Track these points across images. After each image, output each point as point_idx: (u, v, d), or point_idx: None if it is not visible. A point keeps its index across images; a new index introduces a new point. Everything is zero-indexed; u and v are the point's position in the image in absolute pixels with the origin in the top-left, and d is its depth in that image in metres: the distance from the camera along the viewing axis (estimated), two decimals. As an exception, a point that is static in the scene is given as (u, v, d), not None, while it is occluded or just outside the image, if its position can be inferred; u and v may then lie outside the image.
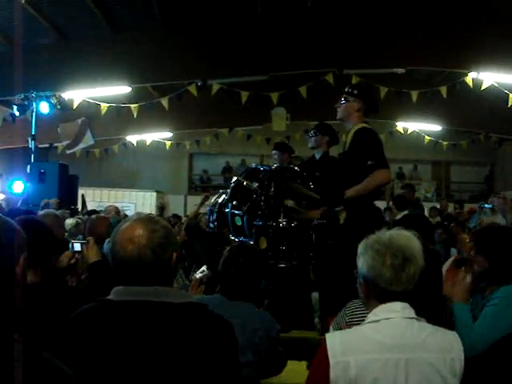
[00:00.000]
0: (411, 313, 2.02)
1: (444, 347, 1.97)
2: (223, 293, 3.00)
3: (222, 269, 3.02)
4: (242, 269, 2.96)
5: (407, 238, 2.06)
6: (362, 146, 4.37)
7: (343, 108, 4.64)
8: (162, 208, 19.56)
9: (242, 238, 5.12)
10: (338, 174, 4.69)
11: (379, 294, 2.03)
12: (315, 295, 5.37)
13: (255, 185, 5.14)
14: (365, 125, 4.50)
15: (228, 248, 3.12)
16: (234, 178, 5.38)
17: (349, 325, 2.77)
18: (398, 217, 8.08)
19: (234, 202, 5.20)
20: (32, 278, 2.75)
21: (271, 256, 4.86)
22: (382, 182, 4.40)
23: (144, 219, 1.93)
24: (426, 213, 10.91)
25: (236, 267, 2.96)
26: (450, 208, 13.86)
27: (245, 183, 5.21)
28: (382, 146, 4.43)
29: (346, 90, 4.70)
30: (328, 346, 1.96)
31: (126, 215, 11.29)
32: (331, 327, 3.02)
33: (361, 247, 2.09)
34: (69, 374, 1.46)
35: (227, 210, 5.34)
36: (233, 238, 5.36)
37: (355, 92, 4.64)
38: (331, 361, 1.92)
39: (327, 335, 2.04)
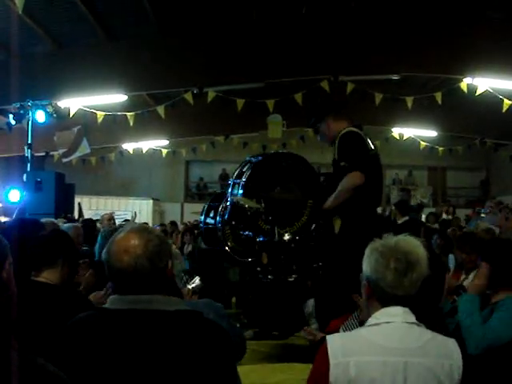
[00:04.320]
0: (412, 318, 2.05)
1: (443, 353, 2.00)
2: None
3: None
4: None
5: (413, 245, 2.09)
6: (341, 150, 4.40)
7: (321, 136, 4.70)
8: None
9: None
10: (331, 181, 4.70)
11: (381, 296, 2.07)
12: (312, 302, 5.38)
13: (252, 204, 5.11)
14: (349, 129, 4.48)
15: None
16: (229, 200, 5.33)
17: None
18: (400, 222, 8.11)
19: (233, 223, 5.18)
20: (53, 279, 2.86)
21: (272, 271, 4.87)
22: (354, 184, 4.27)
23: (138, 229, 1.94)
24: (423, 218, 10.94)
25: None
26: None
27: (240, 202, 5.17)
28: (358, 146, 4.40)
29: (310, 125, 4.79)
30: (329, 347, 1.99)
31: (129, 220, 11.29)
32: (341, 330, 3.05)
33: (367, 250, 2.12)
34: (64, 379, 1.46)
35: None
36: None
37: (313, 120, 4.72)
38: (331, 361, 1.95)
39: (328, 337, 2.06)
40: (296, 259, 4.85)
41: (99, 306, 3.54)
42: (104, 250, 1.94)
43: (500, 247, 3.17)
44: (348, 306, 3.43)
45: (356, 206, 4.29)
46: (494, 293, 3.03)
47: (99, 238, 5.62)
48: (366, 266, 2.10)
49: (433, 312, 2.76)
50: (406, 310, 2.05)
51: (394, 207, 9.16)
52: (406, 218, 8.20)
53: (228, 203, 5.19)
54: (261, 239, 5.03)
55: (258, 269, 4.95)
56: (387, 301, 2.06)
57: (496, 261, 3.03)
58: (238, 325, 3.16)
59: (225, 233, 5.69)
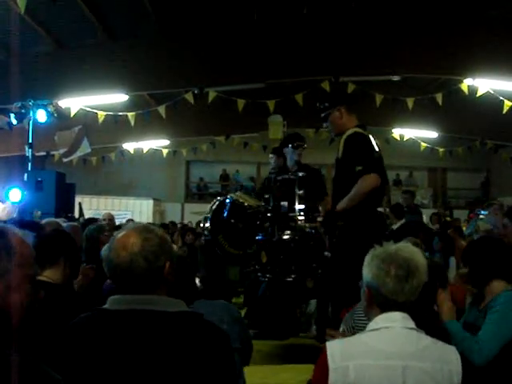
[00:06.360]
0: (411, 323, 2.07)
1: (442, 358, 2.02)
2: None
3: None
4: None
5: (413, 252, 2.13)
6: (351, 153, 4.33)
7: (330, 125, 4.62)
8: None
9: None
10: (334, 181, 4.67)
11: (381, 302, 2.10)
12: (314, 302, 5.39)
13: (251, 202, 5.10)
14: (356, 129, 4.43)
15: None
16: (228, 197, 5.30)
17: (354, 328, 2.85)
18: (396, 226, 7.97)
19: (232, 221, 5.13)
20: (54, 278, 2.90)
21: (270, 270, 4.85)
22: (371, 187, 4.19)
23: (139, 228, 1.97)
24: (426, 219, 10.89)
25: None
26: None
27: (240, 200, 5.15)
28: (370, 149, 4.35)
29: (319, 106, 4.65)
30: (328, 353, 2.01)
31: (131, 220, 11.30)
32: (343, 321, 3.11)
33: (368, 257, 2.16)
34: (57, 379, 1.46)
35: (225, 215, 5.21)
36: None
37: (327, 105, 4.59)
38: (331, 366, 1.97)
39: (327, 343, 2.09)
40: (295, 259, 4.83)
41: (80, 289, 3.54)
42: (106, 246, 1.96)
43: (476, 245, 3.22)
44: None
45: (358, 209, 4.27)
46: (485, 290, 3.00)
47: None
48: (367, 272, 2.13)
49: (429, 317, 2.77)
50: (405, 315, 2.08)
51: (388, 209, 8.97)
52: (402, 221, 8.07)
53: (227, 200, 5.17)
54: (259, 238, 5.01)
55: (257, 267, 4.94)
56: (387, 307, 2.08)
57: (474, 259, 3.04)
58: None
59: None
